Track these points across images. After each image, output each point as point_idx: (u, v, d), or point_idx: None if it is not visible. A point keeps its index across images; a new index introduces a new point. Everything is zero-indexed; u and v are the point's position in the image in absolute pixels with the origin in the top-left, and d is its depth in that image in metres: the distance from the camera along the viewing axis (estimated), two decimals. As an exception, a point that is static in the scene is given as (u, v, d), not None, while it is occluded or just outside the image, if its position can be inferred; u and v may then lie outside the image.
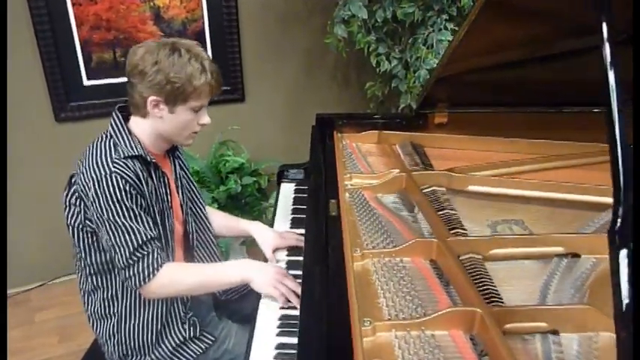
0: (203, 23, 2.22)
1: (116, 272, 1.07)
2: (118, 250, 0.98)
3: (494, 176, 1.19)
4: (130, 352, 1.11)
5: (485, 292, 0.79)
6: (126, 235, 0.97)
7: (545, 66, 1.27)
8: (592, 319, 0.71)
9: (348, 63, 2.49)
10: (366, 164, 1.33)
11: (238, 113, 2.39)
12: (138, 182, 1.00)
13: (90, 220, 1.03)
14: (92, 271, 1.09)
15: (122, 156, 1.00)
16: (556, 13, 1.12)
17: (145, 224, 0.99)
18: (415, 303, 0.79)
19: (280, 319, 0.97)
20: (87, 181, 0.98)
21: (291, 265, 1.17)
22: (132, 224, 0.98)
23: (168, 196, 1.10)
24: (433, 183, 1.19)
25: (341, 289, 0.78)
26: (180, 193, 1.18)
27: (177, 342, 1.12)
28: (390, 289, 0.82)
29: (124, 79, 2.37)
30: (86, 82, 2.13)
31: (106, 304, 1.11)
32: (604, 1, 0.57)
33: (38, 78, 2.04)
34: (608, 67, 0.56)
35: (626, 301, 0.50)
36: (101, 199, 0.97)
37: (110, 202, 0.97)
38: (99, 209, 0.98)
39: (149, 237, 0.99)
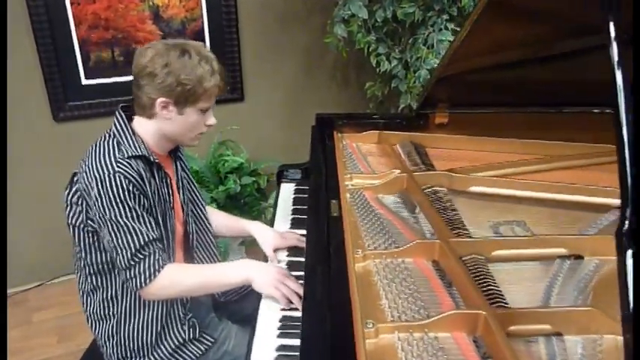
0: (202, 22, 2.22)
1: (116, 273, 1.06)
2: (119, 251, 0.97)
3: (496, 177, 1.18)
4: (129, 354, 1.11)
5: (489, 293, 0.78)
6: (128, 235, 0.97)
7: (546, 66, 1.27)
8: (596, 321, 0.71)
9: (347, 63, 2.49)
10: (366, 164, 1.33)
11: (237, 113, 2.38)
12: (141, 182, 0.99)
13: (92, 220, 1.02)
14: (92, 271, 1.09)
15: (126, 156, 1.00)
16: (558, 14, 1.11)
17: (148, 225, 0.99)
18: (418, 305, 0.78)
19: (281, 320, 0.97)
20: (90, 180, 0.98)
21: (291, 265, 1.16)
22: (134, 225, 0.97)
23: (171, 197, 1.10)
24: (434, 183, 1.18)
25: (343, 291, 0.77)
26: (181, 193, 1.17)
27: (177, 343, 1.11)
28: (392, 290, 0.82)
29: (123, 79, 2.37)
30: (84, 82, 2.12)
31: (105, 304, 1.10)
32: (612, 0, 0.57)
33: (36, 77, 2.03)
34: (616, 67, 0.55)
35: (632, 303, 0.50)
36: (104, 198, 0.96)
37: (113, 202, 0.96)
38: (101, 209, 0.97)
39: (151, 238, 0.99)
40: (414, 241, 0.92)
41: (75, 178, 1.04)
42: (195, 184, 1.24)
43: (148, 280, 0.98)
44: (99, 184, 0.96)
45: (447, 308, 0.77)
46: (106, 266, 1.07)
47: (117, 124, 1.05)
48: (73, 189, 1.04)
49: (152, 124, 1.05)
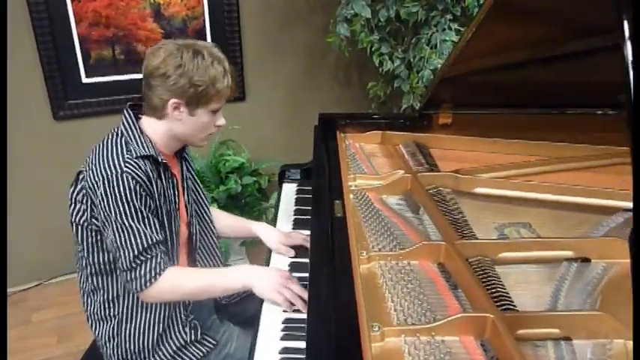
0: (204, 21, 2.20)
1: (117, 273, 1.05)
2: (122, 252, 0.96)
3: (501, 178, 1.17)
4: (129, 355, 1.09)
5: (497, 296, 0.77)
6: (132, 237, 0.96)
7: (551, 67, 1.26)
8: (606, 325, 0.70)
9: (349, 62, 2.47)
10: (369, 165, 1.32)
11: (239, 112, 2.37)
12: (148, 183, 0.99)
13: (96, 218, 1.01)
14: (93, 271, 1.07)
15: (134, 156, 0.99)
16: (563, 14, 1.11)
17: (152, 227, 0.98)
18: (424, 307, 0.77)
19: (284, 322, 0.95)
20: (97, 179, 0.97)
21: (294, 266, 1.15)
22: (139, 226, 0.96)
23: (176, 198, 1.09)
24: (439, 184, 1.17)
25: (349, 293, 0.76)
26: (186, 194, 1.16)
27: (178, 345, 1.10)
28: (397, 292, 0.81)
29: (124, 77, 2.36)
30: (85, 80, 2.11)
31: (106, 305, 1.09)
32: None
33: (36, 75, 2.02)
34: (630, 67, 0.54)
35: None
36: (110, 198, 0.95)
37: (119, 202, 0.95)
38: (107, 208, 0.96)
39: (155, 240, 0.97)
40: (420, 242, 0.91)
41: (80, 176, 1.03)
42: (200, 185, 1.23)
43: (148, 283, 0.97)
44: (105, 183, 0.95)
45: (454, 311, 0.76)
46: (107, 266, 1.06)
47: (125, 122, 1.04)
48: (78, 186, 1.03)
49: (162, 124, 1.04)
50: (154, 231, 0.97)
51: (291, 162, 1.65)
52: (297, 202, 1.45)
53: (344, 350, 0.66)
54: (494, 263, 0.88)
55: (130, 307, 1.07)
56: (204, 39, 2.21)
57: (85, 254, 1.06)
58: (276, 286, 1.00)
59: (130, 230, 0.95)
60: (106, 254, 1.05)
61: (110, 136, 1.03)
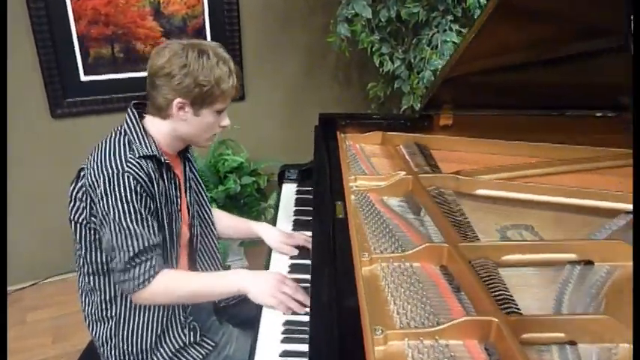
0: (203, 20, 2.19)
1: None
2: (117, 253, 0.95)
3: (503, 180, 1.17)
4: (127, 357, 1.08)
5: (501, 299, 0.76)
6: (129, 238, 0.94)
7: (553, 69, 1.26)
8: (611, 329, 0.69)
9: (349, 62, 2.47)
10: (370, 166, 1.31)
11: (238, 112, 2.35)
12: (149, 184, 0.98)
13: (95, 217, 0.99)
14: (91, 271, 1.06)
15: (136, 155, 0.98)
16: (566, 16, 1.10)
17: (150, 229, 0.97)
18: (427, 310, 0.76)
19: (285, 324, 0.94)
20: (97, 177, 0.96)
21: (294, 268, 1.14)
22: (136, 228, 0.95)
23: (178, 199, 1.08)
24: (440, 186, 1.16)
25: (351, 296, 0.75)
26: (188, 195, 1.15)
27: (177, 347, 1.09)
28: (400, 295, 0.80)
29: (123, 76, 2.35)
30: (83, 78, 2.09)
31: (104, 306, 1.08)
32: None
33: (34, 73, 2.00)
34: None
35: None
36: (110, 197, 0.94)
37: (118, 202, 0.94)
38: (105, 207, 0.95)
39: (151, 243, 0.96)
40: (422, 244, 0.90)
41: (81, 173, 1.02)
42: (203, 185, 1.22)
43: (141, 285, 0.95)
44: (106, 181, 0.94)
45: (457, 314, 0.75)
46: (105, 267, 1.05)
47: (129, 121, 1.03)
48: (79, 184, 1.02)
49: (166, 124, 1.03)
50: (151, 233, 0.96)
51: (291, 162, 1.64)
52: (297, 202, 1.44)
53: (347, 354, 0.66)
54: (497, 266, 0.88)
55: (127, 308, 1.06)
56: (204, 38, 2.20)
57: (83, 253, 1.05)
58: (271, 290, 0.99)
59: (127, 231, 0.94)
60: (103, 254, 1.04)
61: (113, 135, 1.02)
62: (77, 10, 1.98)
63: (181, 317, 1.10)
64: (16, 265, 2.20)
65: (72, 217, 1.03)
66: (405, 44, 2.00)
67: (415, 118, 1.51)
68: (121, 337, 1.07)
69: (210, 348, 1.11)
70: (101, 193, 0.95)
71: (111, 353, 1.09)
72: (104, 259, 1.04)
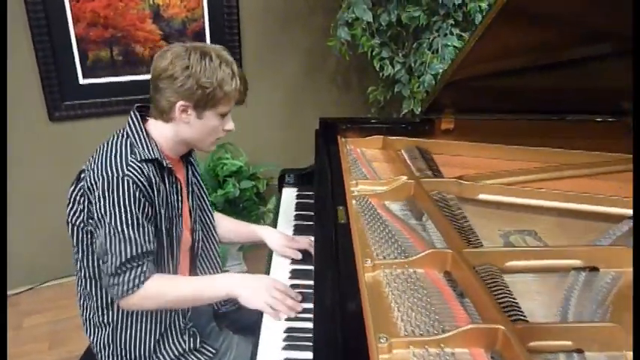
0: (203, 23, 2.18)
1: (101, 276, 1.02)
2: (110, 257, 0.93)
3: (506, 184, 1.16)
4: (125, 364, 1.06)
5: (506, 307, 0.75)
6: (122, 243, 0.93)
7: (556, 73, 1.25)
8: (618, 337, 0.68)
9: (348, 66, 2.46)
10: (371, 170, 1.30)
11: (237, 115, 2.33)
12: (149, 189, 0.96)
13: (91, 218, 0.98)
14: (88, 275, 1.05)
15: (138, 159, 0.97)
16: (570, 20, 1.10)
17: (145, 236, 0.95)
18: (432, 318, 0.75)
19: (286, 331, 0.93)
20: (96, 179, 0.94)
21: (294, 274, 1.12)
22: (131, 233, 0.93)
23: (180, 203, 1.06)
24: (442, 190, 1.15)
25: (355, 303, 0.74)
26: (190, 199, 1.14)
27: (177, 354, 1.07)
28: (404, 302, 0.79)
29: (121, 79, 2.33)
30: (82, 81, 2.08)
31: (101, 311, 1.06)
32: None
33: (32, 76, 1.98)
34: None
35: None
36: (107, 200, 0.93)
37: (116, 206, 0.93)
38: (102, 210, 0.93)
39: (144, 250, 0.95)
40: (426, 250, 0.89)
41: (82, 175, 1.01)
42: (205, 190, 1.21)
43: (130, 291, 0.94)
44: (105, 184, 0.93)
45: (462, 321, 0.74)
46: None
47: (131, 124, 1.02)
48: (78, 185, 1.00)
49: (169, 127, 1.02)
50: (145, 240, 0.95)
51: (290, 166, 1.63)
52: (298, 207, 1.43)
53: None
54: (502, 272, 0.87)
55: (125, 313, 1.05)
56: (204, 41, 2.19)
57: (80, 257, 1.04)
58: (261, 295, 0.97)
59: (121, 236, 0.93)
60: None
61: (115, 137, 1.01)
62: (76, 13, 1.97)
63: (181, 323, 1.09)
64: (13, 269, 2.17)
65: (69, 220, 1.02)
66: (406, 48, 2.00)
67: (416, 122, 1.50)
68: (119, 343, 1.06)
69: (211, 355, 1.09)
70: (99, 195, 0.93)
71: (109, 359, 1.07)
72: (101, 264, 1.03)
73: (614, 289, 0.82)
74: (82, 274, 1.05)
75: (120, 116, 2.12)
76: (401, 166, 1.26)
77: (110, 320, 1.06)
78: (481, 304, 0.75)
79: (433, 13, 1.84)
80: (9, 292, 2.19)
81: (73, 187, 1.02)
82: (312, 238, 1.20)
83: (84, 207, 0.99)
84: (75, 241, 1.03)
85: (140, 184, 0.94)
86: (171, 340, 1.07)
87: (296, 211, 1.41)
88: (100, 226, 0.95)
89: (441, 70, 1.80)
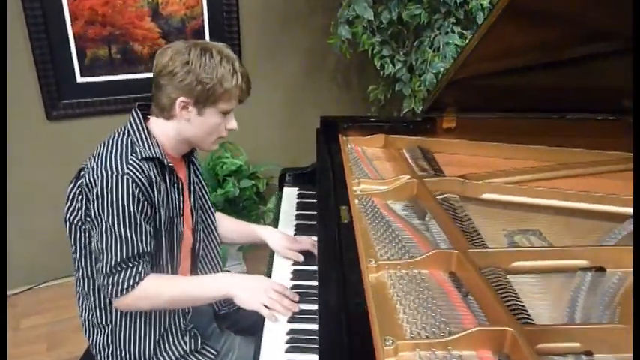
0: (203, 21, 2.17)
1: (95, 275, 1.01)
2: (105, 256, 0.92)
3: (509, 184, 1.15)
4: (125, 365, 1.05)
5: (512, 308, 0.74)
6: (119, 243, 0.92)
7: (558, 72, 1.25)
8: (628, 339, 0.67)
9: (349, 65, 2.45)
10: (373, 169, 1.29)
11: (237, 114, 2.32)
12: (149, 188, 0.95)
13: (89, 217, 0.96)
14: (86, 275, 1.03)
15: (138, 157, 0.95)
16: (573, 19, 1.09)
17: (142, 236, 0.94)
18: (437, 319, 0.74)
19: (289, 333, 0.92)
20: (95, 176, 0.93)
21: (296, 274, 1.11)
22: (128, 233, 0.92)
23: (181, 203, 1.05)
24: (445, 190, 1.14)
25: (360, 304, 0.73)
26: (191, 199, 1.12)
27: (177, 355, 1.06)
28: (409, 304, 0.77)
29: (120, 77, 2.31)
30: (80, 79, 2.06)
31: (100, 312, 1.05)
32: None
33: (29, 74, 1.96)
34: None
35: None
36: (105, 198, 0.91)
37: (114, 205, 0.91)
38: (99, 208, 0.92)
39: (141, 250, 0.94)
40: (430, 250, 0.88)
41: (81, 173, 0.99)
42: (207, 190, 1.19)
43: (125, 291, 0.93)
44: (104, 182, 0.92)
45: (469, 323, 0.73)
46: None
47: (132, 122, 1.01)
48: (77, 183, 0.99)
49: (170, 125, 1.01)
50: (142, 240, 0.94)
51: (290, 165, 1.62)
52: (299, 206, 1.42)
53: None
54: (507, 272, 0.86)
55: (125, 314, 1.03)
56: (203, 39, 2.17)
57: (78, 256, 1.03)
58: (259, 296, 0.96)
59: (117, 235, 0.92)
60: None
61: (116, 135, 1.00)
62: (74, 10, 1.95)
63: (181, 324, 1.07)
64: (10, 270, 2.15)
65: (67, 218, 1.01)
66: (407, 47, 1.98)
67: (418, 121, 1.49)
68: (118, 344, 1.04)
69: (212, 356, 1.08)
70: (97, 193, 0.92)
71: (108, 361, 1.06)
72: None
73: (621, 289, 0.81)
74: (81, 274, 1.04)
75: (118, 115, 2.10)
76: (403, 165, 1.25)
77: (109, 321, 1.04)
78: (488, 306, 0.74)
79: (434, 11, 1.83)
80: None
81: (72, 185, 1.01)
82: (314, 238, 1.19)
83: (82, 205, 0.97)
84: (73, 240, 1.02)
85: (140, 183, 0.93)
86: (171, 341, 1.06)
87: (297, 210, 1.40)
88: (97, 225, 0.93)
89: (442, 69, 1.79)
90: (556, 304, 0.80)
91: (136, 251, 0.93)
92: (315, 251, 1.16)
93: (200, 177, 1.16)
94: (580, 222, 1.07)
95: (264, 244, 1.22)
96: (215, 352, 1.09)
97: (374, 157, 1.38)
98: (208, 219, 1.18)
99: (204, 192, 1.18)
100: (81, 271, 1.03)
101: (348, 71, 2.50)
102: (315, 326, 0.89)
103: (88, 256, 1.01)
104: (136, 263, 0.93)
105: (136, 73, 2.12)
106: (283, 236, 1.21)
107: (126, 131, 1.00)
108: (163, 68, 0.96)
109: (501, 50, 1.18)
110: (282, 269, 1.14)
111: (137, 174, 0.93)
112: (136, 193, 0.93)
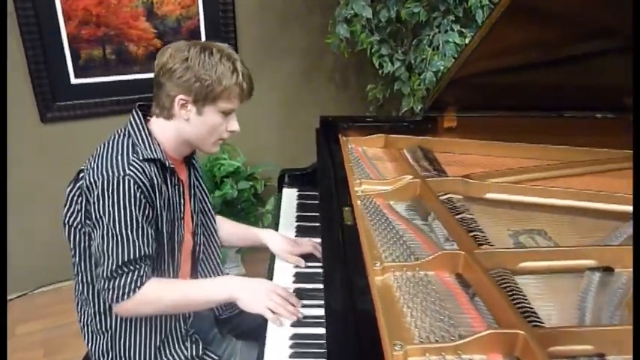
0: (198, 21, 2.14)
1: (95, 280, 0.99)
2: (106, 259, 0.90)
3: (513, 183, 1.14)
4: (125, 372, 1.03)
5: (522, 310, 0.73)
6: (120, 245, 0.90)
7: (559, 70, 1.24)
8: (641, 341, 0.66)
9: (347, 64, 2.43)
10: (374, 169, 1.27)
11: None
12: (150, 190, 0.93)
13: (89, 219, 0.94)
14: (85, 280, 1.01)
15: (140, 158, 0.93)
16: (574, 17, 1.09)
17: (144, 238, 0.92)
18: (446, 322, 0.72)
19: (292, 337, 0.90)
20: (96, 178, 0.91)
21: (299, 277, 1.10)
22: (130, 235, 0.90)
23: (182, 205, 1.03)
24: (449, 190, 1.13)
25: (368, 308, 0.71)
26: (192, 202, 1.10)
27: (178, 362, 1.04)
28: (417, 307, 0.76)
29: (114, 78, 2.28)
30: (74, 81, 2.03)
31: (99, 318, 1.02)
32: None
33: (23, 76, 1.93)
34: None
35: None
36: (106, 200, 0.89)
37: (115, 207, 0.89)
38: (100, 210, 0.90)
39: (142, 254, 0.91)
40: (435, 252, 0.86)
41: (80, 175, 0.97)
42: (207, 193, 1.17)
43: (126, 296, 0.90)
44: (105, 183, 0.90)
45: (479, 326, 0.71)
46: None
47: (133, 123, 0.99)
48: (76, 186, 0.97)
49: (171, 125, 0.99)
50: (144, 243, 0.91)
51: (288, 166, 1.60)
52: (299, 208, 1.40)
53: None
54: (514, 273, 0.84)
55: (124, 320, 1.01)
56: (199, 39, 2.15)
57: (77, 260, 1.00)
58: (263, 299, 0.95)
59: (119, 238, 0.90)
60: None
61: (116, 136, 0.98)
62: (67, 11, 1.92)
63: (182, 329, 1.05)
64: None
65: (66, 221, 0.99)
66: (405, 45, 1.97)
67: (418, 120, 1.48)
68: (118, 350, 1.02)
69: (214, 362, 1.06)
70: (98, 195, 0.90)
71: (107, 368, 1.04)
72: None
73: (631, 290, 0.80)
74: (80, 279, 1.02)
75: (114, 117, 2.08)
76: (404, 165, 1.24)
77: (109, 327, 1.02)
78: (497, 308, 0.73)
79: (433, 9, 1.82)
80: (1, 298, 2.14)
81: (70, 187, 0.98)
82: (315, 240, 1.17)
83: (81, 207, 0.95)
84: (72, 243, 1.00)
85: (141, 184, 0.91)
86: (172, 347, 1.04)
87: (298, 212, 1.38)
88: (97, 227, 0.91)
89: (441, 67, 1.78)
90: (564, 306, 0.79)
91: (137, 254, 0.91)
92: (317, 253, 1.14)
93: (201, 180, 1.15)
94: (584, 221, 1.05)
95: (264, 247, 1.20)
96: (217, 358, 1.07)
97: (375, 157, 1.36)
98: (209, 222, 1.17)
99: (204, 195, 1.16)
100: (80, 275, 1.01)
101: (346, 70, 2.49)
102: (319, 331, 0.88)
103: (87, 259, 0.99)
104: (137, 267, 0.91)
105: (131, 74, 2.09)
106: (284, 240, 1.19)
107: (127, 132, 0.98)
108: (163, 66, 0.95)
109: (502, 49, 1.17)
110: (284, 272, 1.12)
111: (139, 175, 0.92)
112: (138, 194, 0.91)
